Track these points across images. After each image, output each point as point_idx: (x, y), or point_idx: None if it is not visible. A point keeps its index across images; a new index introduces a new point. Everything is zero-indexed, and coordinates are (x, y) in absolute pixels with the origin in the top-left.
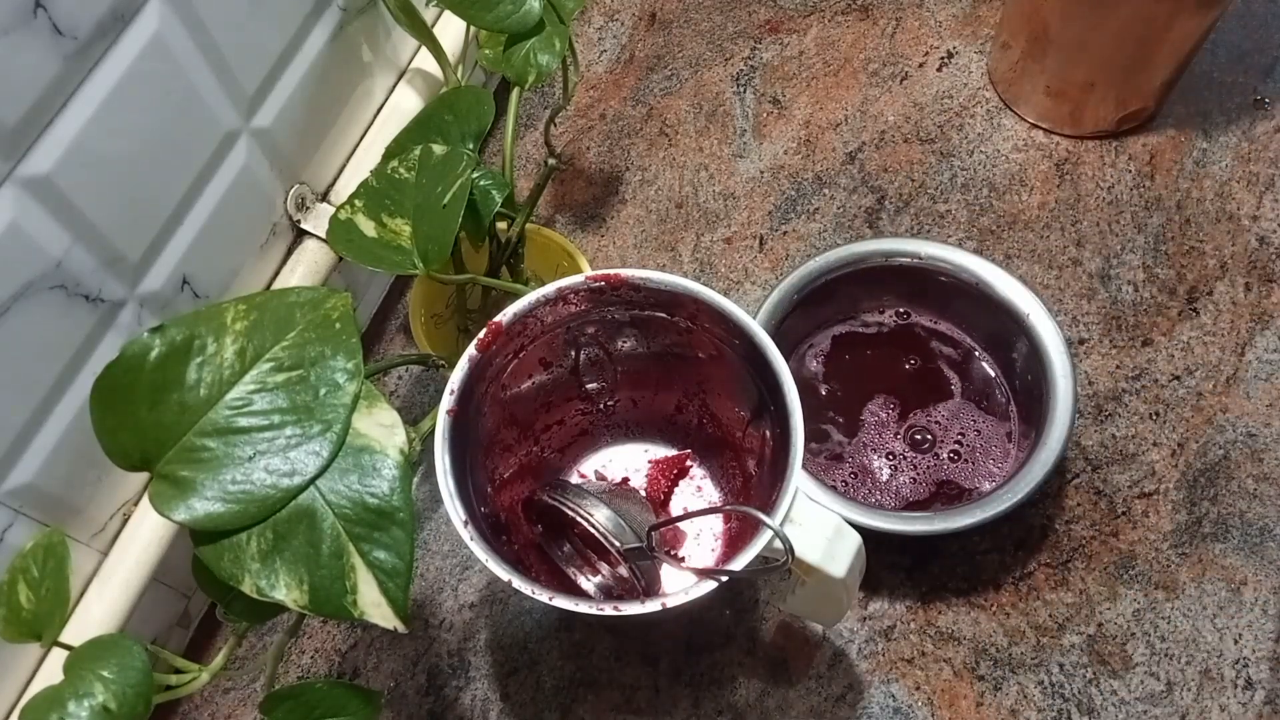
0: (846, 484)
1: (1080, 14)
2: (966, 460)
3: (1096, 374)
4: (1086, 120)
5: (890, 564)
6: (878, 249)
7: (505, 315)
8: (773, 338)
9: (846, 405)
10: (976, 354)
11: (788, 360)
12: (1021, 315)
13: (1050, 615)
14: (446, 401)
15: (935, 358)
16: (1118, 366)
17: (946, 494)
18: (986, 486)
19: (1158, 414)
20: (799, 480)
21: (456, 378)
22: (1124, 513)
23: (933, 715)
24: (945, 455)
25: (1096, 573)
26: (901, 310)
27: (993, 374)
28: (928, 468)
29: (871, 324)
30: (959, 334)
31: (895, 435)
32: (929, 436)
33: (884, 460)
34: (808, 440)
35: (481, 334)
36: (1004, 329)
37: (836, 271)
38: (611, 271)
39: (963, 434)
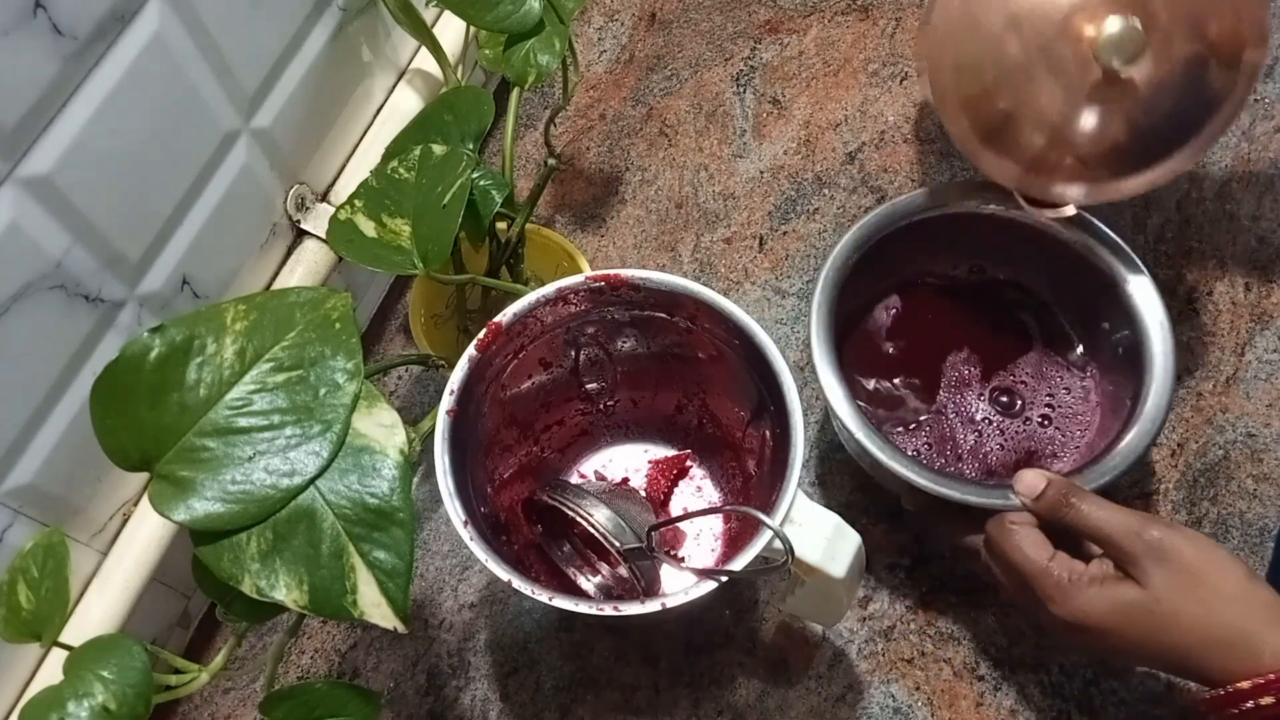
0: (921, 452)
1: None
2: (1057, 427)
3: None
4: None
5: (890, 564)
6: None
7: (505, 315)
8: (836, 295)
9: (923, 365)
10: (1055, 311)
11: (857, 322)
12: (1121, 279)
13: None
14: (446, 402)
15: (1015, 310)
16: None
17: (1033, 464)
18: (1070, 457)
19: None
20: (799, 480)
21: (456, 378)
22: None
23: (933, 715)
24: (1035, 419)
25: None
26: (975, 264)
27: (1074, 335)
28: (1016, 433)
29: (943, 277)
30: (1038, 289)
31: (979, 396)
32: (1018, 399)
33: (967, 425)
34: (878, 406)
35: (481, 334)
36: (1093, 290)
37: (906, 220)
38: (611, 271)
39: (1051, 394)
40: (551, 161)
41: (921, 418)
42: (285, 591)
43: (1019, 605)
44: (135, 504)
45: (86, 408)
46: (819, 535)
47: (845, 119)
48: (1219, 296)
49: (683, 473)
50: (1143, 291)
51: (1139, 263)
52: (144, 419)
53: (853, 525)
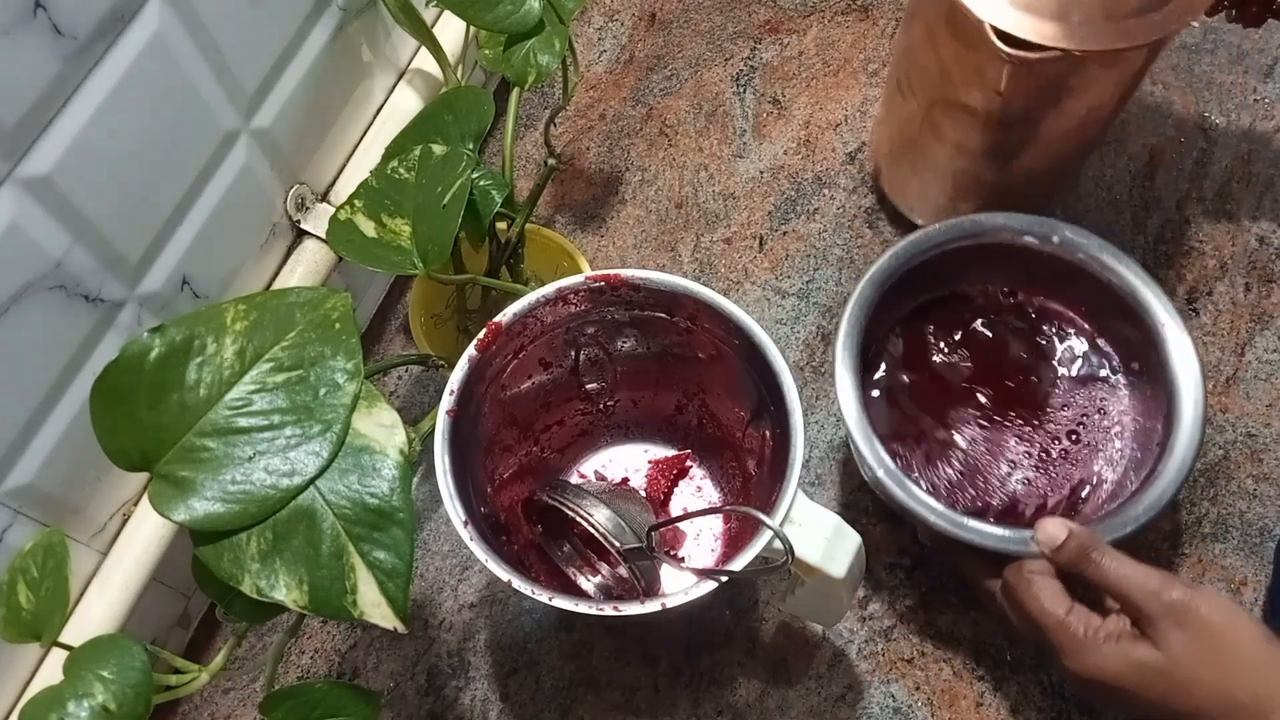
0: (948, 484)
1: (1003, 163)
2: (1086, 465)
3: None
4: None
5: (890, 564)
6: (999, 224)
7: (505, 315)
8: (868, 316)
9: (951, 394)
10: (1091, 348)
11: (882, 340)
12: (1158, 324)
13: None
14: (446, 402)
15: (1049, 342)
16: None
17: (1059, 503)
18: (1098, 499)
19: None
20: (799, 480)
21: (456, 378)
22: None
23: (933, 715)
24: (1064, 455)
25: None
26: (1006, 289)
27: (1110, 376)
28: (1044, 469)
29: (974, 304)
30: (1076, 323)
31: (1009, 429)
32: (1049, 435)
33: (998, 458)
34: (897, 439)
35: (481, 334)
36: (1130, 331)
37: (947, 245)
38: (611, 272)
39: (1080, 433)
40: (551, 161)
41: (949, 449)
42: (285, 591)
43: (1035, 648)
44: (135, 504)
45: (86, 408)
46: (819, 535)
47: (845, 119)
48: (1219, 296)
49: (683, 473)
50: (1177, 338)
51: (1172, 308)
52: (144, 419)
53: (853, 525)
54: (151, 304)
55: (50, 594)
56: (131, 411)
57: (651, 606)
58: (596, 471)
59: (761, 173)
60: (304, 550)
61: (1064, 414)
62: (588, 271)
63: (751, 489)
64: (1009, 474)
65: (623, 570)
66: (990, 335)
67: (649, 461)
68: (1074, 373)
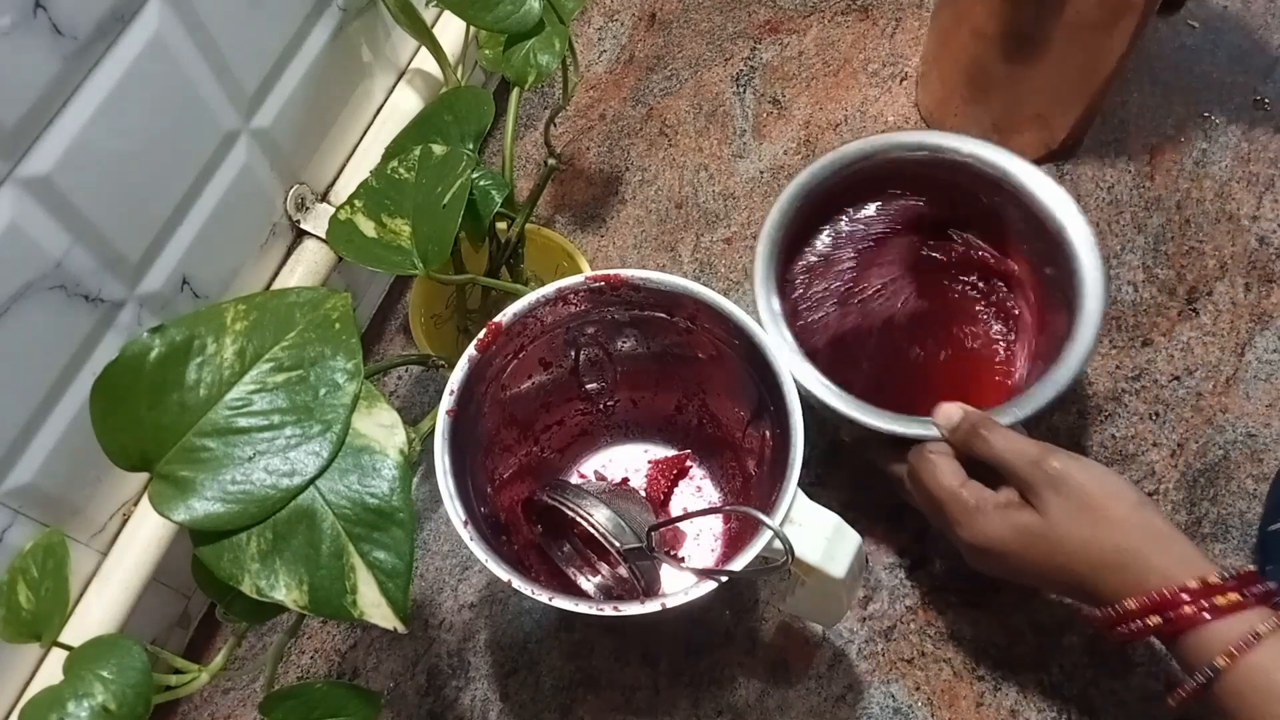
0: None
1: (1018, 51)
2: (990, 359)
3: (1096, 374)
4: (1029, 150)
5: (890, 564)
6: (896, 141)
7: (505, 315)
8: (781, 238)
9: (861, 300)
10: (990, 243)
11: (796, 259)
12: (1054, 215)
13: (1050, 615)
14: (446, 402)
15: (951, 242)
16: (1117, 367)
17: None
18: (1004, 388)
19: (1158, 414)
20: (799, 480)
21: (456, 378)
22: None
23: (933, 715)
24: (972, 347)
25: None
26: (909, 201)
27: (1013, 267)
28: (948, 364)
29: (875, 217)
30: (974, 222)
31: (916, 328)
32: (956, 330)
33: (906, 356)
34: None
35: (481, 334)
36: (1029, 223)
37: (851, 168)
38: (611, 272)
39: (981, 326)
40: (551, 161)
41: (863, 349)
42: (285, 592)
43: (936, 528)
44: (135, 504)
45: (86, 408)
46: (819, 535)
47: (845, 119)
48: (1219, 296)
49: (682, 473)
50: (1077, 228)
51: (1076, 204)
52: (144, 419)
53: (853, 525)
54: (151, 304)
55: (50, 594)
56: (131, 411)
57: (651, 607)
58: (596, 471)
59: (761, 173)
60: (304, 550)
61: (976, 318)
62: (588, 271)
63: (751, 489)
64: (916, 372)
65: (623, 570)
66: (898, 244)
67: (649, 461)
68: (983, 277)
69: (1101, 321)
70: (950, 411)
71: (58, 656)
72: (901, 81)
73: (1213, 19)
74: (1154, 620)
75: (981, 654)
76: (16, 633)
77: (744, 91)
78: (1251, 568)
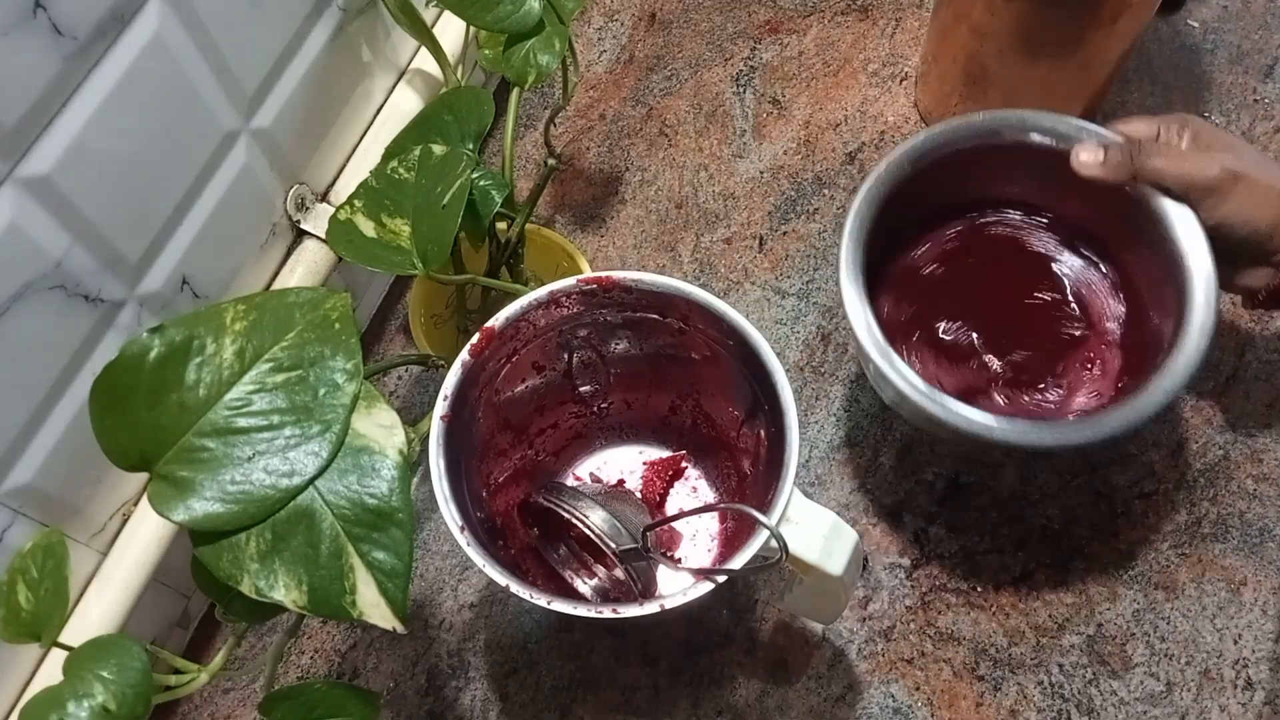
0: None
1: (1017, 49)
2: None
3: None
4: None
5: (890, 564)
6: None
7: (498, 319)
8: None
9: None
10: (1093, 246)
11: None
12: (1169, 222)
13: (1050, 615)
14: (440, 407)
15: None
16: None
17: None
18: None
19: (1157, 414)
20: (796, 479)
21: (450, 383)
22: (1124, 513)
23: (933, 715)
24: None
25: (1096, 573)
26: (1017, 196)
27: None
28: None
29: (980, 210)
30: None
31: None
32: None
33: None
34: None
35: (474, 339)
36: (1139, 230)
37: (946, 150)
38: (603, 274)
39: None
40: (551, 161)
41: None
42: (284, 592)
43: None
44: (135, 504)
45: (86, 408)
46: (816, 533)
47: (845, 119)
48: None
49: (678, 474)
50: (1190, 235)
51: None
52: (143, 419)
53: (852, 525)
54: (151, 304)
55: (50, 594)
56: (131, 411)
57: (650, 608)
58: (592, 474)
59: (761, 173)
60: (303, 550)
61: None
62: (588, 272)
63: (747, 488)
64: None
65: (619, 572)
66: (1004, 244)
67: (644, 463)
68: (1081, 279)
69: (1214, 328)
70: (1093, 148)
71: (57, 657)
72: (901, 81)
73: (1213, 19)
74: None
75: (981, 654)
76: (16, 633)
77: (744, 91)
78: None
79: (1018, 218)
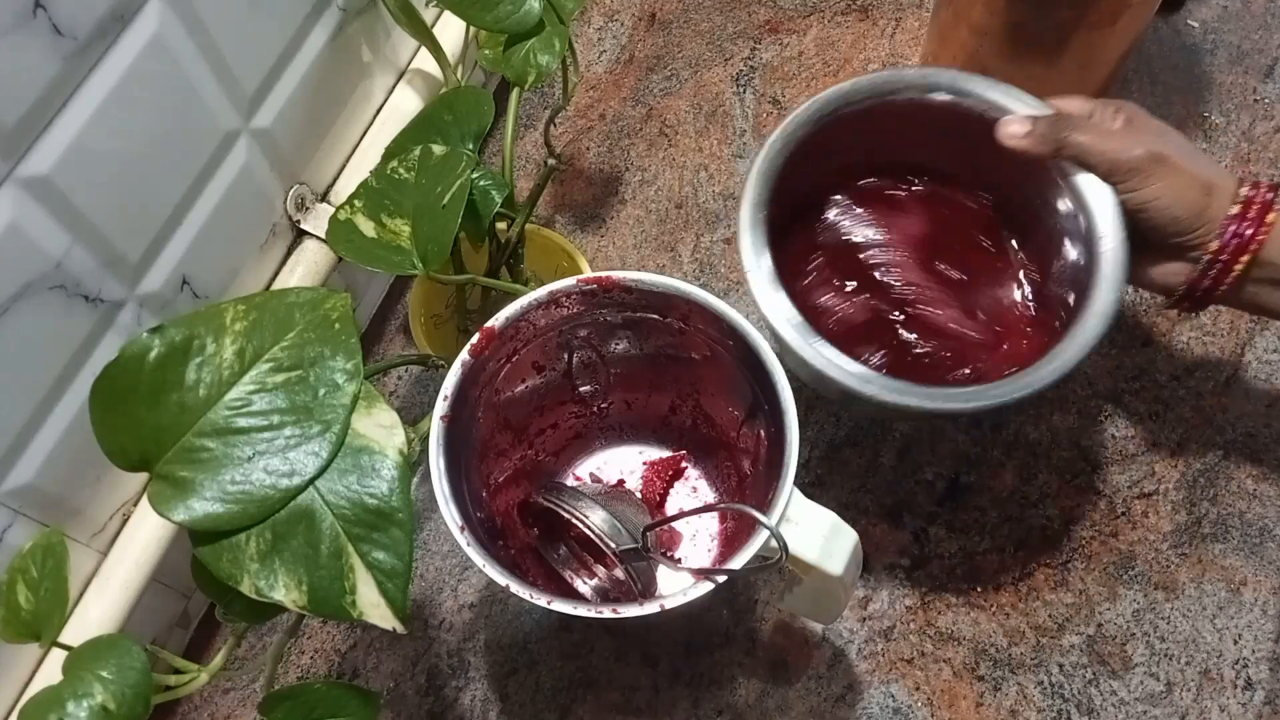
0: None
1: (1017, 49)
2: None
3: (1096, 374)
4: None
5: (890, 564)
6: (909, 80)
7: (497, 320)
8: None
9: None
10: (999, 207)
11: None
12: (1076, 183)
13: (1050, 615)
14: (440, 408)
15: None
16: (1117, 367)
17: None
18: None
19: (1158, 414)
20: (795, 478)
21: (449, 383)
22: (1124, 513)
23: (932, 715)
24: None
25: (1096, 573)
26: (914, 159)
27: (1015, 235)
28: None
29: (881, 172)
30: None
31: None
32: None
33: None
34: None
35: (474, 339)
36: (1042, 187)
37: (853, 106)
38: (603, 274)
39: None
40: (551, 161)
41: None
42: (284, 592)
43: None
44: (135, 504)
45: (86, 408)
46: (816, 533)
47: None
48: None
49: (678, 474)
50: (1098, 196)
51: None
52: (143, 419)
53: (852, 525)
54: (151, 304)
55: (49, 594)
56: (131, 411)
57: (650, 608)
58: (592, 474)
59: None
60: (303, 550)
61: (980, 286)
62: (588, 272)
63: (747, 488)
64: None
65: (619, 572)
66: (907, 206)
67: (644, 463)
68: (989, 240)
69: (1119, 296)
70: (1019, 121)
71: (57, 656)
72: None
73: (1213, 19)
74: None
75: (981, 654)
76: (16, 633)
77: (744, 91)
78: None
79: (937, 186)
